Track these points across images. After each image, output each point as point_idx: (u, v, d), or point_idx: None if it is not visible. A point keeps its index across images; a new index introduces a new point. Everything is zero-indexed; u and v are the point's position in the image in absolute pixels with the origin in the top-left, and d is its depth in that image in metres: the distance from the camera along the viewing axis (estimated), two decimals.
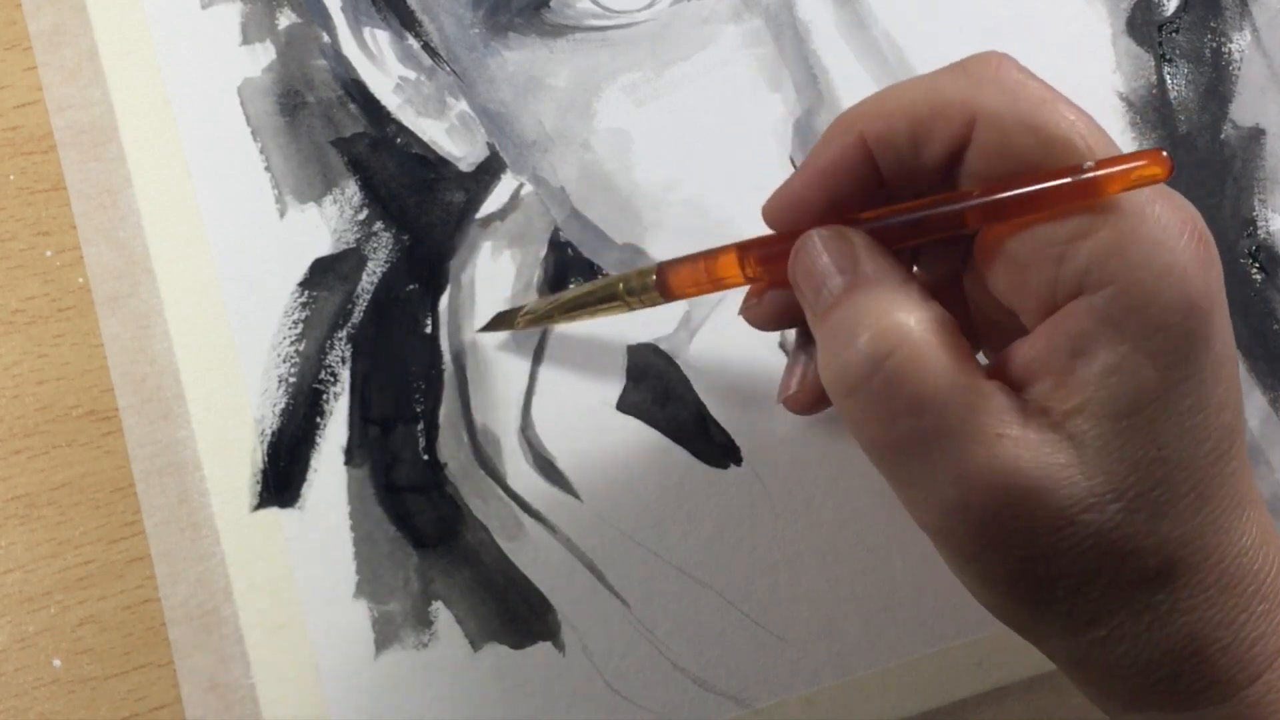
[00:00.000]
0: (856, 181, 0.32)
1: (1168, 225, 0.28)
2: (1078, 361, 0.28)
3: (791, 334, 0.41)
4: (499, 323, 0.40)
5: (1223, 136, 0.45)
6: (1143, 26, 0.46)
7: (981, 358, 0.36)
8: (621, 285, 0.36)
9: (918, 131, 0.30)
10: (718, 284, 0.34)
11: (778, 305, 0.34)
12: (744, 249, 0.33)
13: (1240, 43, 0.46)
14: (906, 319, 0.29)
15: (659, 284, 0.35)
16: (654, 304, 0.36)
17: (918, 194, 0.31)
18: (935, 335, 0.29)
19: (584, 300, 0.38)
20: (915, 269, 0.35)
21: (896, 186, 0.32)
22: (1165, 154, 0.27)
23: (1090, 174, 0.28)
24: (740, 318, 0.36)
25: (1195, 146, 0.45)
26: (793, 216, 0.32)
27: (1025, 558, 0.28)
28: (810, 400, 0.34)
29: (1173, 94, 0.45)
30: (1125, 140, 0.44)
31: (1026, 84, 0.29)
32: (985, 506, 0.28)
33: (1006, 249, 0.30)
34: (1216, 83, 0.45)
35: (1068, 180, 0.28)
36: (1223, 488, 0.29)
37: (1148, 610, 0.28)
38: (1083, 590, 0.28)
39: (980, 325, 0.34)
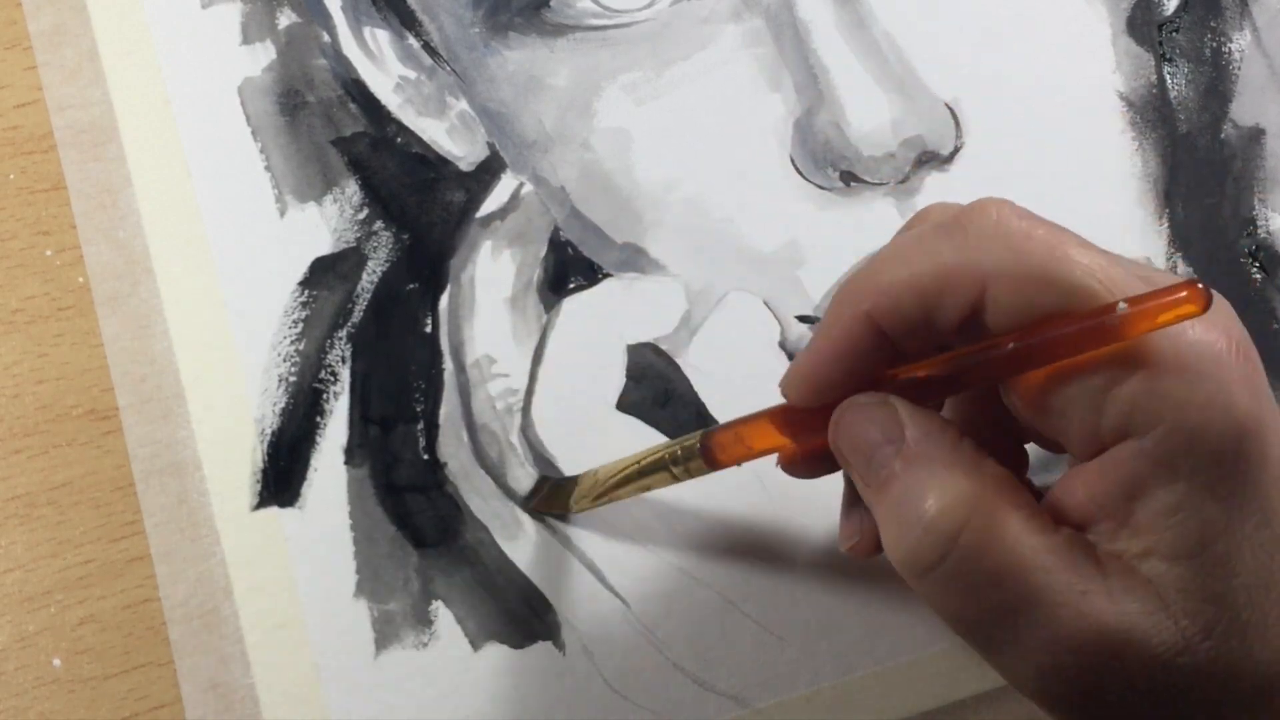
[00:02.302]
0: (870, 351, 0.30)
1: (1205, 350, 0.27)
2: (1135, 504, 0.27)
3: (790, 334, 0.41)
4: (551, 503, 0.39)
5: (1223, 136, 0.45)
6: (1143, 26, 0.46)
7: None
8: (667, 455, 0.35)
9: (925, 303, 0.29)
10: (758, 450, 0.33)
11: (818, 460, 0.33)
12: (780, 415, 0.32)
13: (1240, 42, 0.46)
14: (971, 488, 0.28)
15: (703, 452, 0.34)
16: (701, 473, 0.35)
17: (938, 350, 0.30)
18: (1002, 499, 0.28)
19: (631, 476, 0.36)
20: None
21: (912, 348, 0.31)
22: (1201, 286, 0.26)
23: (1125, 314, 0.26)
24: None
25: (1195, 146, 0.45)
26: (811, 393, 0.31)
27: (1128, 705, 0.28)
28: (876, 544, 0.32)
29: (1173, 94, 0.45)
30: (1125, 141, 0.44)
31: (1031, 234, 0.28)
32: (1080, 666, 0.27)
33: (1042, 398, 0.29)
34: (1216, 82, 0.45)
35: (1103, 322, 0.27)
36: None
37: None
38: None
39: (1023, 428, 0.33)
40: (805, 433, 0.32)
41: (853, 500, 0.33)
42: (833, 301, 0.31)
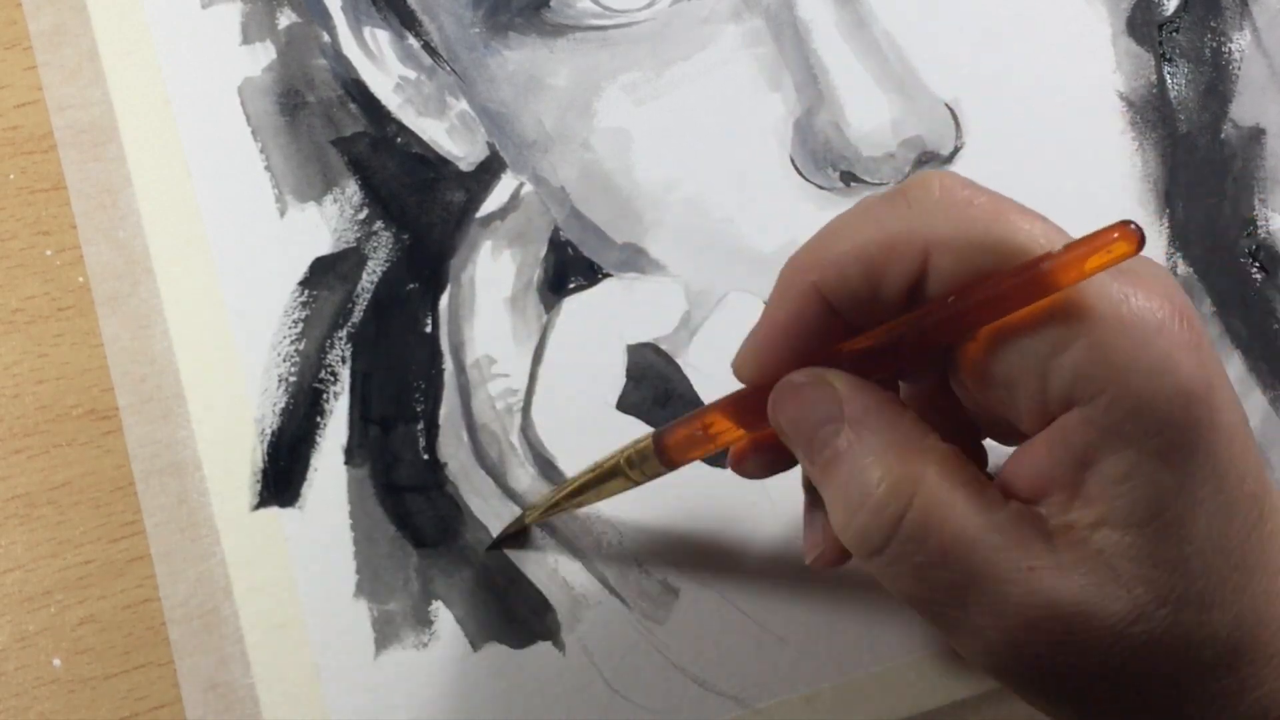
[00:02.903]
0: (818, 326, 0.30)
1: (1147, 316, 0.27)
2: (1086, 473, 0.27)
3: None
4: (510, 529, 0.39)
5: (1223, 136, 0.45)
6: (1143, 26, 0.46)
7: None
8: (623, 460, 0.35)
9: (871, 273, 0.29)
10: (714, 441, 0.33)
11: (767, 456, 0.33)
12: (730, 404, 0.32)
13: (1240, 42, 0.46)
14: (914, 468, 0.28)
15: (658, 451, 0.34)
16: (657, 474, 0.35)
17: (882, 323, 0.30)
18: (947, 476, 0.28)
19: (587, 484, 0.36)
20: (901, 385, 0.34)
21: (859, 321, 0.30)
22: (1133, 226, 0.26)
23: (1059, 259, 0.26)
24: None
25: (1195, 146, 0.45)
26: (762, 371, 0.31)
27: (1085, 677, 0.28)
28: (841, 554, 0.32)
29: (1173, 94, 0.45)
30: (1125, 141, 0.44)
31: (973, 201, 0.28)
32: (1033, 642, 0.28)
33: (988, 370, 0.29)
34: (1217, 82, 0.45)
35: (1043, 267, 0.26)
36: (1263, 555, 0.28)
37: (1216, 698, 0.28)
38: (1146, 694, 0.28)
39: (976, 418, 0.32)
40: (758, 420, 0.32)
41: (813, 510, 0.33)
42: (780, 275, 0.31)
